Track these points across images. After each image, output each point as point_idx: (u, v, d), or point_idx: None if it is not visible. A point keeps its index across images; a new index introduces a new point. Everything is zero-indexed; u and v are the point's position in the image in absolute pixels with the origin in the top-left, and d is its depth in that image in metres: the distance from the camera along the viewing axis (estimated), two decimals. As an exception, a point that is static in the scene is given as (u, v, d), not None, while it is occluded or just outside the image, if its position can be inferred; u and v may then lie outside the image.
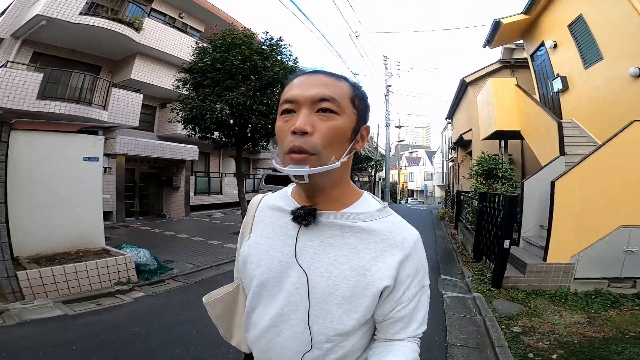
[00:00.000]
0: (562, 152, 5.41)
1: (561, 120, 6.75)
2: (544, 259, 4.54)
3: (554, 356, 3.12)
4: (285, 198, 0.85)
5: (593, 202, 4.36)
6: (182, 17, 13.84)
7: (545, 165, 5.40)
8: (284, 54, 8.01)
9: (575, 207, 4.40)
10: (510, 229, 4.57)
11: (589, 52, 6.88)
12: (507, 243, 4.40)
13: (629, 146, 4.37)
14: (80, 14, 9.61)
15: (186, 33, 13.49)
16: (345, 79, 0.78)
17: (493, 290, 4.71)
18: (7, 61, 8.80)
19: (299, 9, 27.98)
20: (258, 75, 7.22)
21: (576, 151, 5.69)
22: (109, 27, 10.03)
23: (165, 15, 13.21)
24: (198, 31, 14.57)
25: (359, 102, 0.77)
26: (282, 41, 8.00)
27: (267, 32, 8.02)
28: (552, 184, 4.39)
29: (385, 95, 25.74)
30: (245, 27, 8.70)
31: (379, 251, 0.75)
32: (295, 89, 0.74)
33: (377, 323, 0.80)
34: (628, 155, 4.35)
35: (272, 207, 0.87)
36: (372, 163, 21.37)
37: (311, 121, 0.70)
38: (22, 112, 8.24)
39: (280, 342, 0.77)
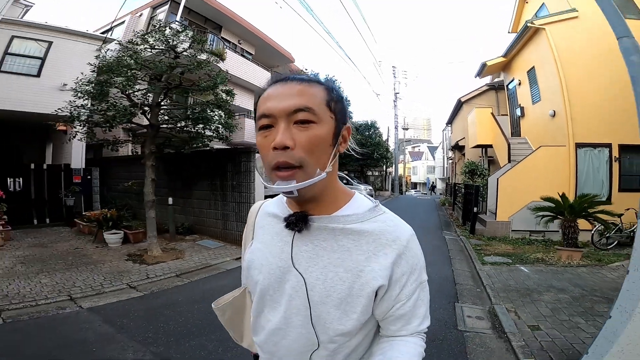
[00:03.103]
0: (509, 161, 9.58)
1: (517, 137, 10.91)
2: (495, 219, 8.74)
3: (491, 255, 7.21)
4: (280, 205, 0.88)
5: (518, 188, 8.52)
6: (240, 43, 17.07)
7: (499, 170, 9.56)
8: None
9: (509, 191, 8.59)
10: (476, 202, 8.81)
11: (535, 94, 10.85)
12: (475, 209, 8.63)
13: (537, 160, 8.53)
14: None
15: (244, 56, 16.73)
16: (319, 82, 0.78)
17: (470, 235, 8.91)
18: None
19: (346, 54, 32.08)
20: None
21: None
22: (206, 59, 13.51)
23: (229, 42, 16.28)
24: (250, 54, 17.77)
25: (335, 105, 0.76)
26: (335, 79, 12.10)
27: (328, 74, 12.12)
28: (497, 180, 8.60)
29: (394, 101, 29.69)
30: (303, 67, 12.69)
31: (372, 251, 0.76)
32: (270, 101, 0.73)
33: (379, 321, 0.82)
34: (536, 165, 8.52)
35: (269, 214, 0.90)
36: (385, 160, 25.39)
37: (291, 135, 0.70)
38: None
39: (286, 343, 0.80)
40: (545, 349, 3.22)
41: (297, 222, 0.78)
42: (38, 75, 8.92)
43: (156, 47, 6.03)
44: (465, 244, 7.93)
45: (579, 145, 8.57)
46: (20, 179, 8.21)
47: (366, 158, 21.64)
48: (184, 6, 13.29)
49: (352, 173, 22.89)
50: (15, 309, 3.96)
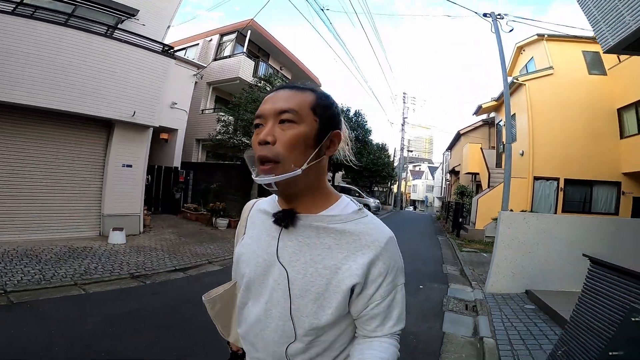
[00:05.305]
0: (488, 186, 13.22)
1: (498, 168, 14.59)
2: (474, 227, 12.39)
3: (467, 248, 10.78)
4: (272, 203, 0.93)
5: (490, 207, 12.08)
6: (281, 69, 18.48)
7: (481, 192, 13.22)
8: (365, 121, 15.82)
9: (483, 208, 12.21)
10: (462, 215, 12.46)
11: (513, 135, 14.50)
12: (460, 219, 12.29)
13: (500, 190, 12.19)
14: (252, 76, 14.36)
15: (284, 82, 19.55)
16: (311, 90, 0.84)
17: (456, 238, 12.50)
18: (204, 109, 16.44)
19: (377, 100, 36.19)
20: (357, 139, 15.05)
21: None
22: (263, 85, 15.54)
23: (274, 68, 17.61)
24: (288, 79, 19.10)
25: (322, 110, 0.82)
26: (362, 112, 15.78)
27: (357, 110, 15.80)
28: (477, 200, 12.25)
29: (402, 124, 33.43)
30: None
31: (351, 251, 0.80)
32: (265, 104, 0.82)
33: (355, 320, 0.85)
34: (500, 193, 12.16)
35: (261, 211, 0.95)
36: (390, 178, 28.95)
37: (273, 132, 0.77)
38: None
39: (265, 334, 0.84)
40: (483, 281, 6.81)
41: (284, 218, 0.83)
42: (157, 94, 12.01)
43: (263, 88, 9.60)
44: (452, 243, 11.54)
45: (536, 178, 12.23)
46: (149, 176, 11.72)
47: (375, 175, 25.25)
48: (244, 36, 15.67)
49: (362, 188, 26.44)
50: (218, 261, 6.63)
